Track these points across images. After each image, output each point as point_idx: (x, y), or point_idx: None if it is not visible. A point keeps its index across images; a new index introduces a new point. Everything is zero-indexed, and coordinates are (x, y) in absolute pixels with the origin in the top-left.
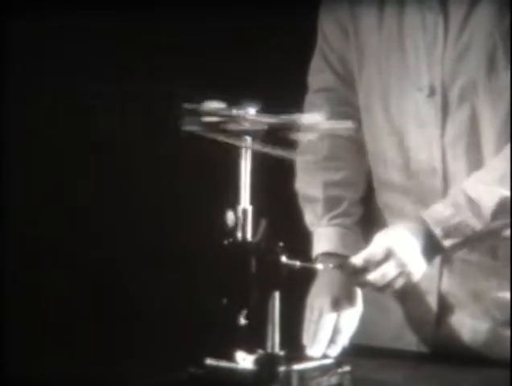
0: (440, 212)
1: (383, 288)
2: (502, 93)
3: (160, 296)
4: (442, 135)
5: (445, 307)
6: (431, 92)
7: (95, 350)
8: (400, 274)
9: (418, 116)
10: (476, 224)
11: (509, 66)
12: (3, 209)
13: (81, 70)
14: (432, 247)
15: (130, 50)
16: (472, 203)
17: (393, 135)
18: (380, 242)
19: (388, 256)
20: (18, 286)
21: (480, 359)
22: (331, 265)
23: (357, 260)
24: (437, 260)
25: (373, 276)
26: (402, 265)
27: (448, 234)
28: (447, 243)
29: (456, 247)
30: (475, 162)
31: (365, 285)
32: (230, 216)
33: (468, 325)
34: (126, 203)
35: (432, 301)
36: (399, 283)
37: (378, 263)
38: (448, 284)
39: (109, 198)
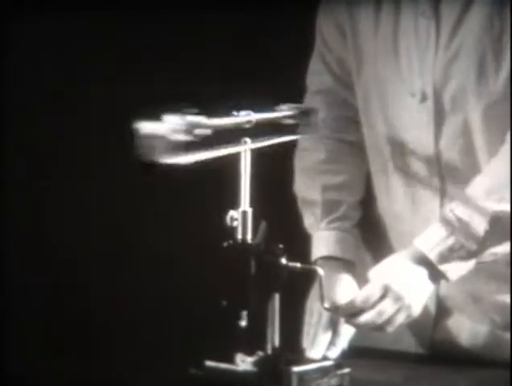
0: (433, 237)
1: (382, 326)
2: (492, 97)
3: (160, 297)
4: (436, 139)
5: (443, 310)
6: (423, 98)
7: (95, 350)
8: (399, 310)
9: (412, 120)
10: (471, 245)
11: (498, 70)
12: (4, 208)
13: (81, 70)
14: (430, 274)
15: (129, 50)
16: (464, 224)
17: (391, 138)
18: (375, 280)
19: (385, 293)
20: (19, 286)
21: (479, 361)
22: (326, 305)
23: (353, 302)
24: None
25: (370, 315)
26: (399, 300)
27: (443, 258)
28: (443, 268)
29: (454, 271)
30: (471, 164)
31: (362, 326)
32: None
33: (467, 328)
34: (126, 204)
35: (430, 303)
36: (399, 319)
37: (375, 302)
38: (446, 287)
39: (109, 198)
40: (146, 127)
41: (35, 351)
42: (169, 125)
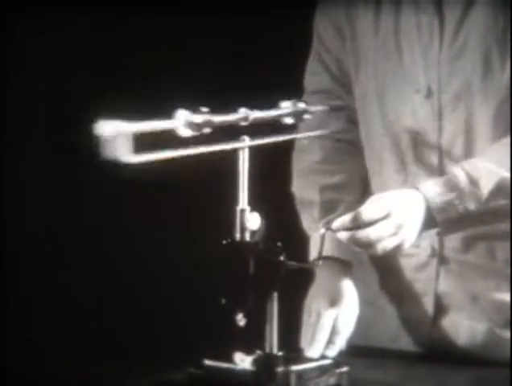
0: (437, 185)
1: (374, 243)
2: (496, 93)
3: (159, 297)
4: (439, 136)
5: (442, 308)
6: (428, 94)
7: (95, 350)
8: (394, 234)
9: (415, 117)
10: (471, 203)
11: (503, 66)
12: (4, 208)
13: (81, 71)
14: (426, 218)
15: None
16: (471, 181)
17: (390, 137)
18: (379, 203)
19: (386, 216)
20: (19, 286)
21: (477, 360)
22: (321, 223)
23: (356, 215)
24: (434, 261)
25: (366, 231)
26: (398, 227)
27: (441, 208)
28: (439, 217)
29: (447, 225)
30: None
31: (356, 240)
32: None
33: (466, 326)
34: (127, 203)
35: (429, 302)
36: (391, 243)
37: (375, 221)
38: (445, 285)
39: (111, 198)
40: (108, 126)
41: (35, 351)
42: (181, 121)
